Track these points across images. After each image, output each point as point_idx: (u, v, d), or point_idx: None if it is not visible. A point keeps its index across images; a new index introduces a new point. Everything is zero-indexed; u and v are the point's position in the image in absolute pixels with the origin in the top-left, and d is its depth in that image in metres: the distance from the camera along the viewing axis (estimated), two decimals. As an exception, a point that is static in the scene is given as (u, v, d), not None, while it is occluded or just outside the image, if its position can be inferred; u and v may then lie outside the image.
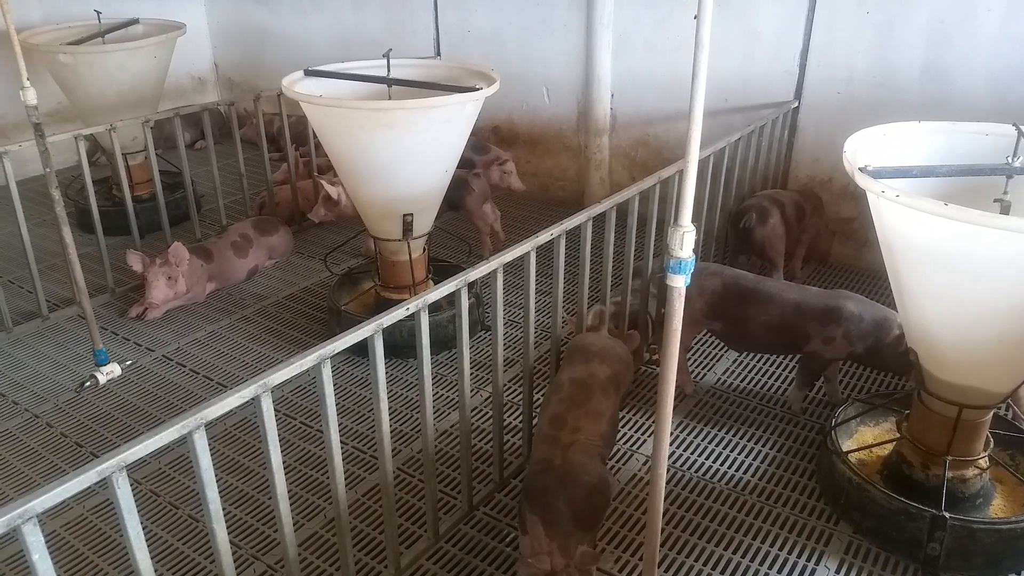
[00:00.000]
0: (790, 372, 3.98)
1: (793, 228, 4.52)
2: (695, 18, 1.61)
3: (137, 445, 1.91)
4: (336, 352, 2.27)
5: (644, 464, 3.37)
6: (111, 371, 4.04)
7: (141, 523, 3.03)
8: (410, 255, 4.10)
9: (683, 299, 1.93)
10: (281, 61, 6.94)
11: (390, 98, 3.98)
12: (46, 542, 2.97)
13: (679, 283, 1.88)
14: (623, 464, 3.39)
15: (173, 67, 5.86)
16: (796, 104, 4.91)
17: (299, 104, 3.76)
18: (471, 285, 2.74)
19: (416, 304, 2.47)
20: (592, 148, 5.80)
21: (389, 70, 4.03)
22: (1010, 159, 2.56)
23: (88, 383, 3.97)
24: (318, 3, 6.95)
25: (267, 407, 2.14)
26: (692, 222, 1.86)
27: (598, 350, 3.09)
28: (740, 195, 4.67)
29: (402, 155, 3.70)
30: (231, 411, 3.52)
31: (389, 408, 3.70)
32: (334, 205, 4.84)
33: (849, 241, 5.03)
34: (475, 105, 3.77)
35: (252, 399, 2.11)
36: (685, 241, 1.83)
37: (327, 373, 2.25)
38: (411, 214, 3.93)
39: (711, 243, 4.50)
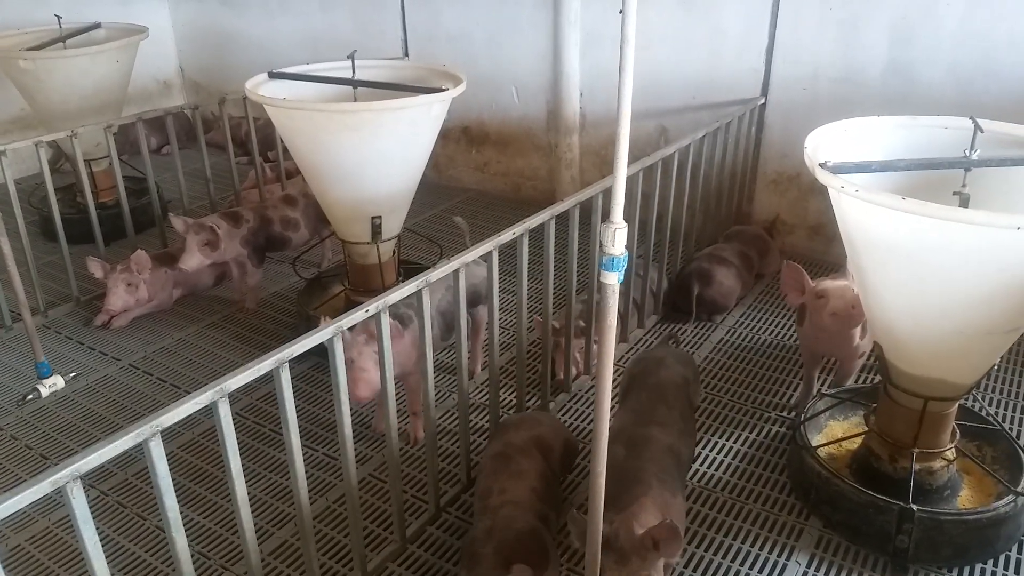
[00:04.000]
0: (762, 368, 4.00)
1: (746, 279, 4.56)
2: (620, 12, 1.61)
3: (91, 454, 1.87)
4: (296, 355, 2.24)
5: (615, 463, 3.36)
6: (54, 383, 3.96)
7: (108, 535, 3.03)
8: (379, 258, 4.07)
9: (617, 295, 1.93)
10: (248, 64, 6.86)
11: (356, 100, 3.95)
12: (11, 556, 2.95)
13: (612, 280, 1.88)
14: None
15: (138, 71, 5.79)
16: (763, 101, 4.94)
17: (264, 107, 3.72)
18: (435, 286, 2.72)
19: (376, 305, 2.45)
20: (562, 147, 5.79)
21: (354, 71, 4.00)
22: (968, 152, 2.58)
23: (30, 396, 3.89)
24: (285, 5, 6.90)
25: (225, 412, 2.10)
26: (625, 219, 1.87)
27: (515, 422, 3.05)
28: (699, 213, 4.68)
29: (369, 157, 3.67)
30: (198, 419, 3.50)
31: (359, 413, 3.70)
32: (212, 249, 4.40)
33: (818, 237, 5.06)
34: (442, 106, 3.76)
35: (209, 405, 2.07)
36: (617, 238, 1.83)
37: (286, 376, 2.22)
38: (379, 216, 3.90)
39: (678, 239, 4.52)
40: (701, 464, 3.36)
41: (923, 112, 2.97)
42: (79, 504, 1.87)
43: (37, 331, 4.43)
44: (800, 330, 3.52)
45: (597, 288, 3.78)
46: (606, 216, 3.54)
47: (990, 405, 3.65)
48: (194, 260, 4.37)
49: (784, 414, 3.65)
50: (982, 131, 2.58)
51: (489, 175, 6.41)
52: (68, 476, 1.83)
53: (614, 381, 3.87)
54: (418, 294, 2.65)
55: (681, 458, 2.76)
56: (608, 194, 3.53)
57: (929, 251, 2.37)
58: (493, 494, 2.65)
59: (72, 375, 4.07)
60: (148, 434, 1.95)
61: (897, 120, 2.94)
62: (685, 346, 4.19)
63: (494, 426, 3.24)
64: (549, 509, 2.67)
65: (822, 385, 3.80)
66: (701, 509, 3.12)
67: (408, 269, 4.47)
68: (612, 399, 3.31)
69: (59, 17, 5.59)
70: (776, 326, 4.37)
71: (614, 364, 4.03)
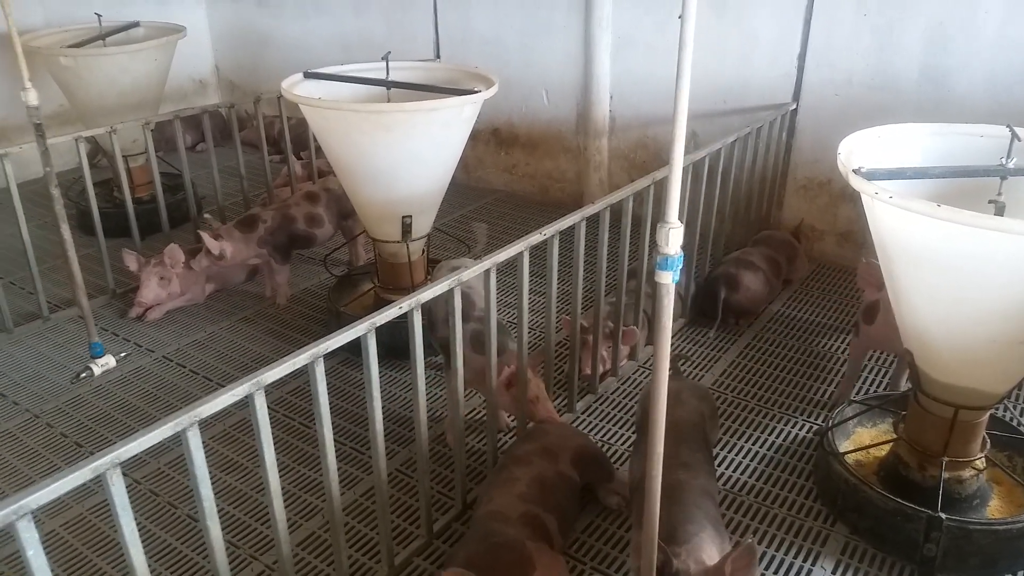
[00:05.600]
0: (789, 373, 3.99)
1: (774, 284, 4.56)
2: (679, 17, 1.61)
3: (132, 443, 1.92)
4: (330, 350, 2.27)
5: (641, 465, 3.38)
6: (106, 363, 4.10)
7: (140, 522, 3.09)
8: (409, 257, 4.11)
9: (672, 295, 1.92)
10: (282, 64, 6.96)
11: (389, 100, 4.00)
12: (45, 541, 3.03)
13: (667, 279, 1.87)
14: (620, 464, 3.39)
15: (174, 70, 5.89)
16: (794, 106, 4.92)
17: (299, 106, 3.77)
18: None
19: (409, 303, 2.48)
20: (591, 150, 5.81)
21: (388, 72, 4.04)
22: (1004, 160, 2.56)
23: (84, 374, 4.03)
24: (320, 6, 6.98)
25: (260, 404, 2.14)
26: (679, 219, 1.85)
27: (524, 436, 3.09)
28: (738, 197, 4.67)
29: (401, 157, 3.71)
30: (230, 411, 3.56)
31: (388, 410, 3.74)
32: (217, 259, 4.55)
33: (847, 243, 5.03)
34: (474, 107, 3.79)
35: (245, 397, 2.11)
36: (671, 237, 1.82)
37: (320, 371, 2.26)
38: (410, 216, 3.94)
39: (707, 244, 4.51)
40: (727, 468, 3.36)
41: (958, 121, 2.95)
42: (118, 492, 1.91)
43: (74, 322, 4.55)
44: (868, 328, 3.51)
45: (625, 291, 3.82)
46: (636, 219, 3.60)
47: (1021, 415, 3.62)
48: (151, 293, 4.56)
49: (813, 420, 3.64)
50: (1020, 139, 2.56)
51: (517, 177, 6.44)
52: (109, 463, 1.87)
53: (629, 401, 3.89)
54: (450, 293, 2.68)
55: (715, 501, 2.68)
56: (639, 197, 3.57)
57: (963, 259, 2.36)
58: (482, 503, 2.76)
59: (123, 355, 4.19)
60: (187, 424, 1.99)
61: (932, 127, 2.92)
62: (710, 351, 4.19)
63: (521, 424, 3.26)
64: (543, 510, 2.69)
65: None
66: (726, 512, 3.12)
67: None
68: (627, 414, 3.33)
69: (99, 16, 5.70)
70: (804, 331, 4.36)
71: (642, 366, 4.06)
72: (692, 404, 2.99)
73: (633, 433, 3.58)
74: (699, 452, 2.78)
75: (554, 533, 2.68)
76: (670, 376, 3.16)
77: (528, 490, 2.73)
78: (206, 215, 4.83)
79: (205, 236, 4.48)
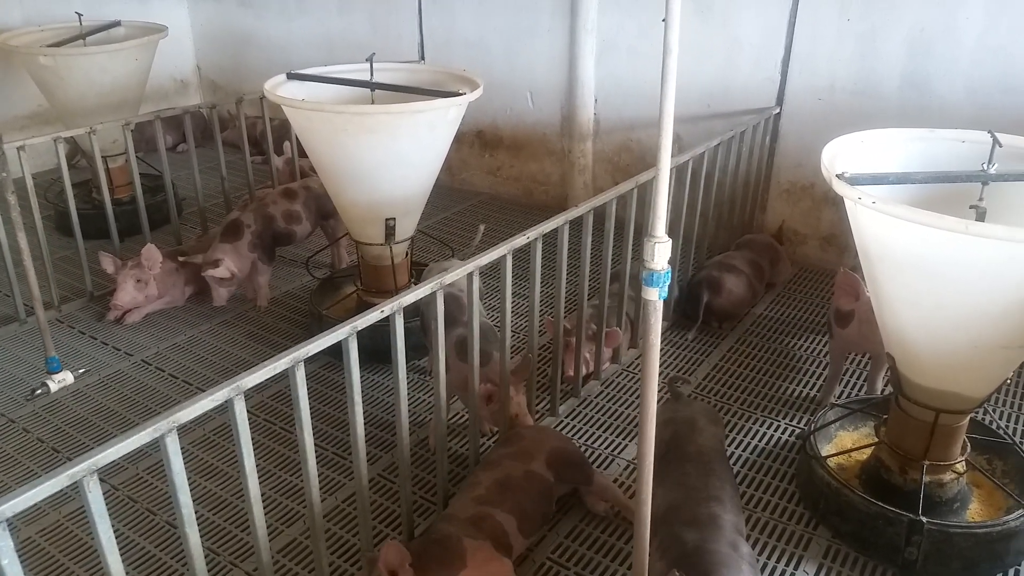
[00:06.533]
0: (771, 376, 4.00)
1: (757, 288, 4.55)
2: (663, 21, 1.60)
3: (109, 448, 1.89)
4: (311, 354, 2.25)
5: (625, 468, 3.37)
6: (63, 379, 3.98)
7: (118, 529, 3.05)
8: (392, 259, 4.09)
9: (660, 312, 1.90)
10: (265, 64, 6.92)
11: (373, 102, 3.98)
12: (21, 548, 2.98)
13: (653, 296, 1.85)
14: (604, 468, 3.39)
15: (156, 70, 5.83)
16: (778, 111, 4.94)
17: (282, 108, 3.74)
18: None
19: (391, 306, 2.47)
20: (576, 153, 5.81)
21: (372, 74, 4.02)
22: (985, 166, 2.58)
23: (39, 391, 3.91)
24: (303, 6, 6.94)
25: (240, 410, 2.12)
26: (638, 225, 1.83)
27: (501, 440, 3.12)
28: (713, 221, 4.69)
29: (385, 159, 3.69)
30: (209, 416, 3.53)
31: (369, 414, 3.72)
32: (231, 281, 4.55)
33: (831, 247, 5.06)
34: (459, 110, 3.77)
35: (225, 402, 2.09)
36: (657, 253, 1.80)
37: (301, 375, 2.23)
38: (394, 218, 3.92)
39: (690, 248, 4.52)
40: (710, 472, 3.36)
41: (940, 126, 2.97)
42: (95, 498, 1.88)
43: (51, 325, 4.47)
44: (841, 331, 3.55)
45: (608, 294, 3.82)
46: (620, 222, 3.60)
47: (1001, 418, 3.64)
48: (127, 296, 4.48)
49: (795, 424, 3.65)
50: (1000, 145, 2.58)
51: (501, 179, 6.43)
52: (85, 470, 1.84)
53: (612, 405, 3.89)
54: (433, 297, 2.67)
55: (745, 538, 2.60)
56: (622, 200, 3.57)
57: (945, 264, 2.37)
58: (446, 507, 2.82)
59: (82, 371, 4.09)
60: (165, 429, 1.96)
61: (915, 132, 2.94)
62: (693, 354, 4.20)
63: (504, 429, 3.25)
64: (500, 511, 2.72)
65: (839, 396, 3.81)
66: (710, 517, 3.12)
67: (420, 271, 4.48)
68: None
69: (80, 15, 5.63)
70: (786, 334, 4.37)
71: (625, 370, 4.06)
72: (710, 431, 2.97)
73: (618, 437, 3.57)
74: (728, 484, 2.74)
75: (512, 533, 2.69)
76: (678, 401, 3.20)
77: (486, 493, 2.76)
78: (100, 253, 4.69)
79: (210, 273, 4.45)
